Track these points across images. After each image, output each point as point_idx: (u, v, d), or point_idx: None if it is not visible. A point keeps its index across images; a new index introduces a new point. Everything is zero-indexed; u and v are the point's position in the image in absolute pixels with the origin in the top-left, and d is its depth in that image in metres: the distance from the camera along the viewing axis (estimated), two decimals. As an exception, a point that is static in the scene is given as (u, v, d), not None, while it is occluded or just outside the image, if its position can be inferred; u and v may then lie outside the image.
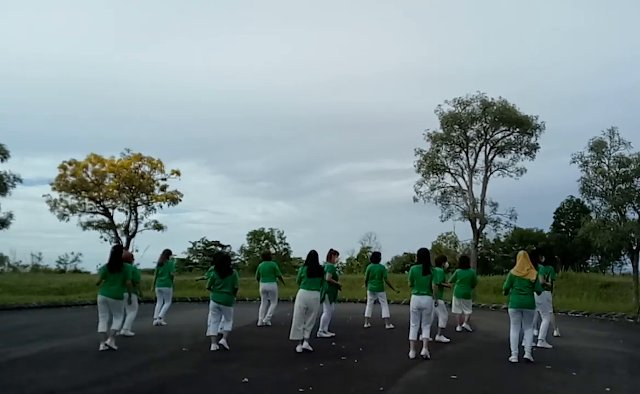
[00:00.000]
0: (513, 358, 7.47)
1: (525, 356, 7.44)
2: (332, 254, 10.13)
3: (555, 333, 9.91)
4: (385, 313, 10.92)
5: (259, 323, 10.86)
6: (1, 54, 62.40)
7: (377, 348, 8.59)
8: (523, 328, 7.66)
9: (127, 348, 8.12)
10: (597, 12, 69.61)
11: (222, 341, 8.16)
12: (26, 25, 70.91)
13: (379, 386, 5.90)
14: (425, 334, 7.76)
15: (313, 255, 8.39)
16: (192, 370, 6.69)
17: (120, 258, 8.21)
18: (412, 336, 7.76)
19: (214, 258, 11.04)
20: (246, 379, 6.10)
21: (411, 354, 7.67)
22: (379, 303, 11.12)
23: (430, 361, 7.48)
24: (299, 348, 7.99)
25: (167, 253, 11.33)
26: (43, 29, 71.89)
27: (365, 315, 11.06)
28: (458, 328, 10.64)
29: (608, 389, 5.97)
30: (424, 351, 7.67)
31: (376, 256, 11.73)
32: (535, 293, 7.62)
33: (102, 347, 7.78)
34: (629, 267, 20.05)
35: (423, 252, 8.08)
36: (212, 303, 8.32)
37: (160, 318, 10.72)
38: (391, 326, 10.80)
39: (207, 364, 7.06)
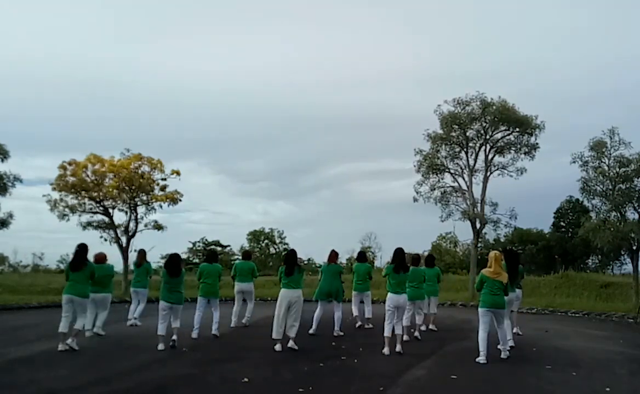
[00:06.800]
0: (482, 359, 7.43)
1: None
2: (336, 255, 10.16)
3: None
4: (368, 312, 10.99)
5: (232, 325, 10.56)
6: (1, 54, 62.41)
7: (377, 348, 8.56)
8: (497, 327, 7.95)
9: (128, 347, 8.14)
10: (597, 12, 69.62)
11: (174, 337, 8.08)
12: (26, 26, 70.92)
13: (379, 386, 5.90)
14: (398, 330, 7.99)
15: (292, 255, 8.46)
16: (192, 370, 6.69)
17: (83, 256, 8.19)
18: (387, 333, 7.89)
19: (206, 256, 10.74)
20: (246, 379, 6.10)
21: (385, 350, 7.81)
22: (363, 303, 11.14)
23: (431, 361, 7.49)
24: (277, 347, 7.98)
25: (144, 254, 11.21)
26: (43, 29, 71.95)
27: (354, 314, 11.07)
28: (423, 328, 10.39)
29: (608, 389, 5.97)
30: (398, 347, 7.87)
31: (361, 256, 11.74)
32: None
33: (60, 347, 7.66)
34: (629, 267, 20.04)
35: (397, 251, 8.21)
36: (162, 303, 8.18)
37: (135, 319, 10.63)
38: (370, 325, 10.82)
39: (207, 364, 7.05)
